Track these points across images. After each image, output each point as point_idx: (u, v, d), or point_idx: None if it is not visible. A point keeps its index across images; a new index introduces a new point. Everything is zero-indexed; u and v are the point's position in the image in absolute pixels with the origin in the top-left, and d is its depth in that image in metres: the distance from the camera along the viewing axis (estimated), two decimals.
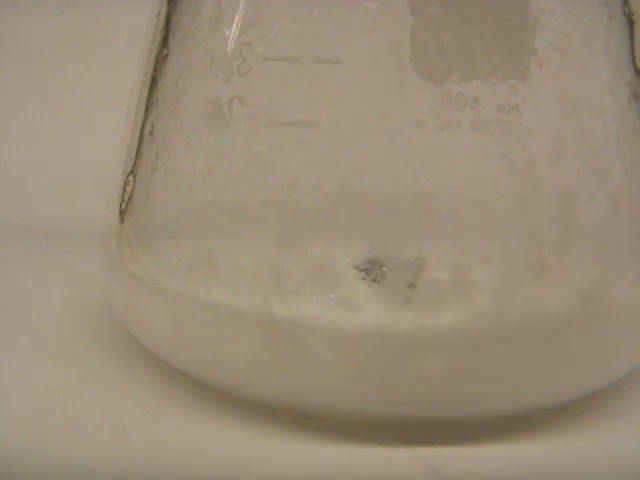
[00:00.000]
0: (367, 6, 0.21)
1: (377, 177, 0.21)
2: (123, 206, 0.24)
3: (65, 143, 0.43)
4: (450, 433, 0.21)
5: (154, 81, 0.24)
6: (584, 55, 0.22)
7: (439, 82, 0.21)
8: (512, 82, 0.21)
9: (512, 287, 0.20)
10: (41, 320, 0.28)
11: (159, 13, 0.24)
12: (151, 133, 0.23)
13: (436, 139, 0.21)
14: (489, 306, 0.20)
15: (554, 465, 0.21)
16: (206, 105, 0.22)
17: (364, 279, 0.21)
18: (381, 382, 0.20)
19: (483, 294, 0.20)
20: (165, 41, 0.24)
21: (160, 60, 0.24)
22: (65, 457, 0.20)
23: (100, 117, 0.37)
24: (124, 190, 0.24)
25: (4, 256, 0.34)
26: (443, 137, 0.21)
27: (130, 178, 0.24)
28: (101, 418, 0.22)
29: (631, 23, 0.22)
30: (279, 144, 0.21)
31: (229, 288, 0.21)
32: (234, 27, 0.22)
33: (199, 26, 0.23)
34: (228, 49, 0.22)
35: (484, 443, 0.21)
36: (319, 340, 0.20)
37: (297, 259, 0.21)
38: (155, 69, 0.24)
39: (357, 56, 0.21)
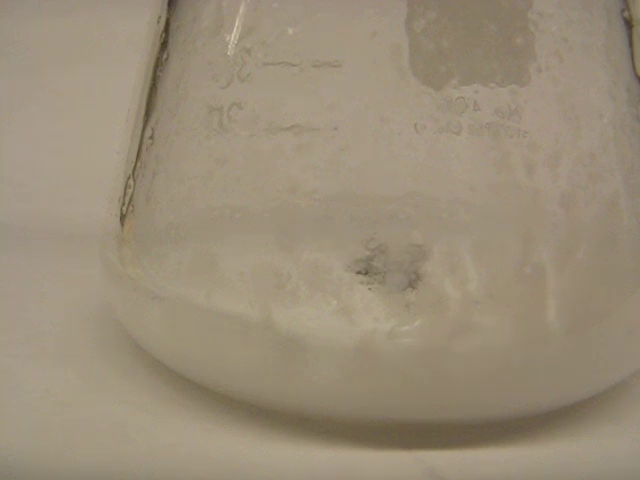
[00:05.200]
0: (367, 11, 0.21)
1: (377, 181, 0.21)
2: (123, 210, 0.24)
3: (65, 146, 0.43)
4: (449, 436, 0.21)
5: (154, 85, 0.24)
6: (583, 59, 0.22)
7: (439, 86, 0.21)
8: (511, 87, 0.21)
9: (511, 292, 0.20)
10: (42, 323, 0.28)
11: (159, 18, 0.24)
12: (151, 137, 0.23)
13: (436, 143, 0.21)
14: (488, 310, 0.20)
15: (553, 468, 0.21)
16: (206, 109, 0.22)
17: (363, 283, 0.21)
18: (381, 386, 0.20)
19: (482, 298, 0.20)
20: (165, 45, 0.24)
21: (160, 64, 0.24)
22: (65, 460, 0.20)
23: (101, 120, 0.36)
24: (124, 194, 0.24)
25: (4, 259, 0.34)
26: (443, 141, 0.21)
27: (130, 182, 0.24)
28: (102, 421, 0.22)
29: (630, 27, 0.23)
30: (279, 148, 0.21)
31: (229, 293, 0.21)
32: (234, 32, 0.22)
33: (199, 31, 0.23)
34: (228, 54, 0.22)
35: (483, 446, 0.21)
36: (319, 345, 0.20)
37: (297, 263, 0.21)
38: (155, 73, 0.24)
39: (357, 60, 0.21)
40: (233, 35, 0.22)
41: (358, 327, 0.20)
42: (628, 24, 0.22)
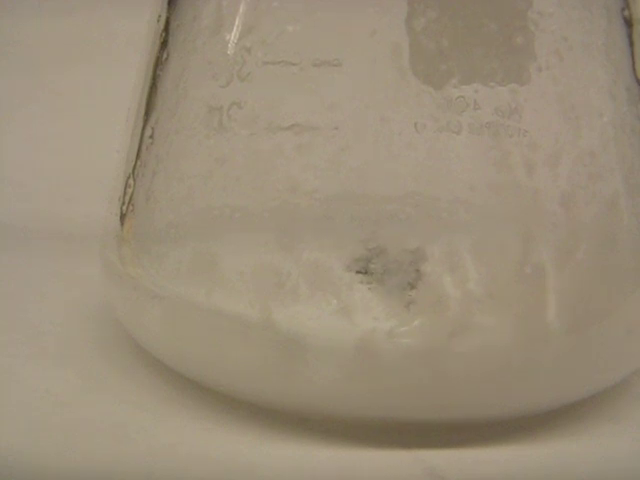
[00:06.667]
0: (367, 9, 0.21)
1: (377, 181, 0.21)
2: (123, 209, 0.24)
3: (65, 146, 0.43)
4: (449, 436, 0.21)
5: (154, 84, 0.24)
6: (583, 58, 0.22)
7: (439, 86, 0.21)
8: (511, 86, 0.21)
9: (512, 292, 0.20)
10: (42, 323, 0.28)
11: (159, 17, 0.24)
12: (151, 136, 0.23)
13: (436, 143, 0.21)
14: (488, 310, 0.20)
15: (553, 468, 0.21)
16: (206, 109, 0.22)
17: (363, 282, 0.21)
18: (381, 386, 0.20)
19: (482, 298, 0.20)
20: (165, 44, 0.24)
21: (160, 63, 0.24)
22: (65, 460, 0.20)
23: (101, 120, 0.36)
24: (124, 193, 0.24)
25: (4, 259, 0.34)
26: (443, 141, 0.21)
27: (130, 181, 0.24)
28: (102, 421, 0.22)
29: (630, 26, 0.23)
30: (279, 148, 0.21)
31: (229, 292, 0.21)
32: (234, 31, 0.22)
33: (199, 30, 0.23)
34: (228, 53, 0.22)
35: (483, 446, 0.21)
36: (319, 344, 0.20)
37: (297, 263, 0.21)
38: (155, 72, 0.24)
39: (357, 59, 0.21)
40: (233, 34, 0.22)
41: (358, 327, 0.20)
42: (628, 23, 0.22)
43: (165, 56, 0.24)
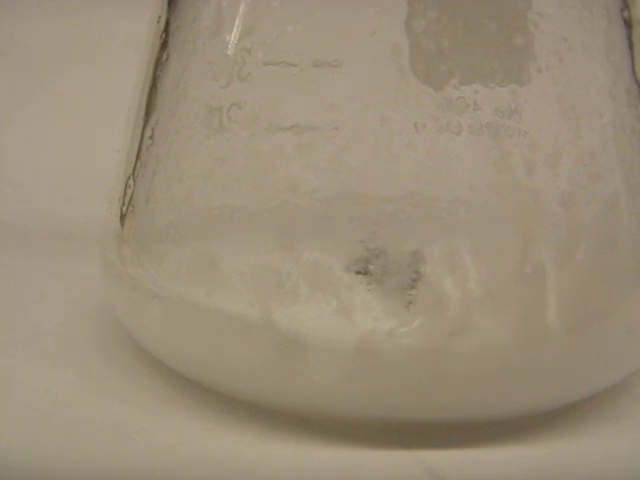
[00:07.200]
0: (367, 10, 0.21)
1: (377, 181, 0.21)
2: (123, 210, 0.24)
3: (65, 146, 0.43)
4: (449, 436, 0.21)
5: (154, 85, 0.24)
6: (583, 59, 0.22)
7: (439, 86, 0.21)
8: (511, 86, 0.21)
9: (511, 292, 0.20)
10: (42, 323, 0.28)
11: (159, 17, 0.24)
12: (151, 137, 0.23)
13: (436, 143, 0.21)
14: (488, 310, 0.20)
15: (553, 468, 0.21)
16: (206, 109, 0.22)
17: (363, 283, 0.21)
18: (381, 386, 0.20)
19: (482, 298, 0.20)
20: (165, 45, 0.24)
21: (160, 64, 0.24)
22: (65, 460, 0.20)
23: (101, 120, 0.36)
24: (124, 194, 0.24)
25: (4, 259, 0.34)
26: (443, 141, 0.21)
27: (130, 182, 0.24)
28: (102, 421, 0.22)
29: (629, 27, 0.23)
30: (279, 148, 0.21)
31: (229, 292, 0.21)
32: (234, 32, 0.22)
33: (199, 31, 0.23)
34: (228, 53, 0.22)
35: (483, 446, 0.21)
36: (319, 344, 0.20)
37: (297, 263, 0.21)
38: (155, 73, 0.24)
39: (357, 60, 0.21)
40: (233, 35, 0.22)
41: (358, 327, 0.20)
42: (628, 24, 0.22)
43: (165, 57, 0.24)
